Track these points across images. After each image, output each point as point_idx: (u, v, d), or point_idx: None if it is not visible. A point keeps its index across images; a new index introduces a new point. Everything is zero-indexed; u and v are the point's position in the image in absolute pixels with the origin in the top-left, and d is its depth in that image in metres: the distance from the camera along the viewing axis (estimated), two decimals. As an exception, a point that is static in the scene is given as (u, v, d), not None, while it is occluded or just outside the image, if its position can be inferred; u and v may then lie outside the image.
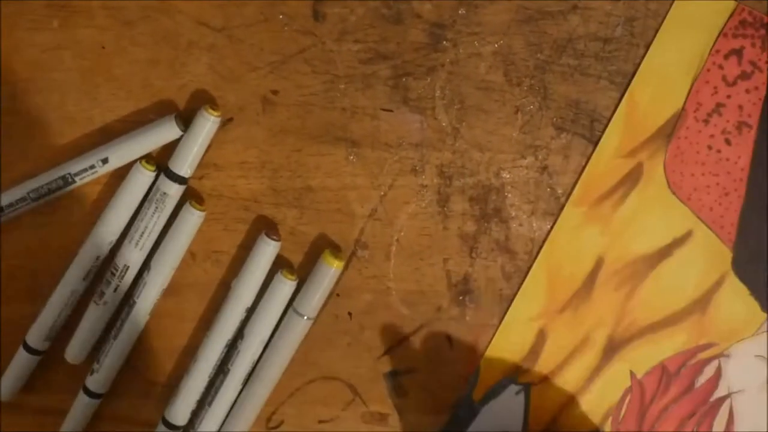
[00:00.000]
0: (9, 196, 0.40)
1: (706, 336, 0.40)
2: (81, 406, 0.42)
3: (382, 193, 0.39)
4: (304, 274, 0.40)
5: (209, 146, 0.39)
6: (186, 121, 0.38)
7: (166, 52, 0.39)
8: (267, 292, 0.40)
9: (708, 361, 0.40)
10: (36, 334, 0.41)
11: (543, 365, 0.40)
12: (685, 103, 0.37)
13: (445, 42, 0.37)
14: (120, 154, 0.39)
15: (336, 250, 0.40)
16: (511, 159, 0.38)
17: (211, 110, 0.38)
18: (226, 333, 0.40)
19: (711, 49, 0.37)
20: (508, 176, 0.39)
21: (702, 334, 0.40)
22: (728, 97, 0.37)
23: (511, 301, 0.40)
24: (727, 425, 0.40)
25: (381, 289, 0.41)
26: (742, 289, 0.39)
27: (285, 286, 0.39)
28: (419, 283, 0.40)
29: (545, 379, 0.41)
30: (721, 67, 0.37)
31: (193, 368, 0.40)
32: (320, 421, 0.43)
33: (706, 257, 0.39)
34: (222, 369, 0.41)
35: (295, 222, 0.40)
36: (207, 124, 0.38)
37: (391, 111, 0.38)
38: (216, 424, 0.41)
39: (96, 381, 0.41)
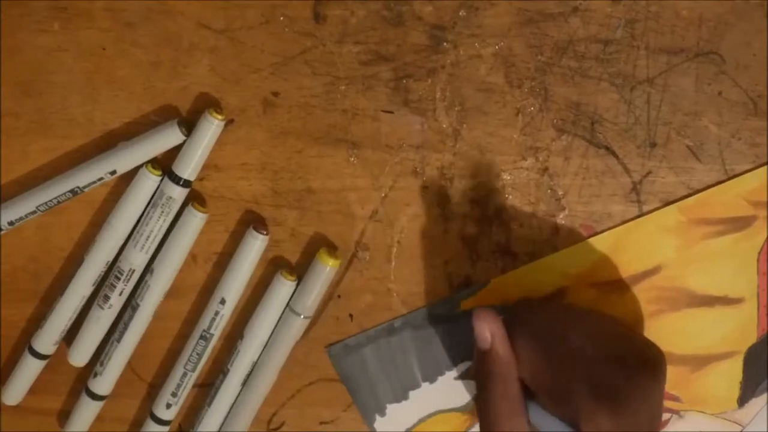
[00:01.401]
0: (18, 210, 0.40)
1: (680, 390, 0.40)
2: (84, 408, 0.42)
3: (383, 195, 0.39)
4: (304, 275, 0.40)
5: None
6: (188, 124, 0.38)
7: (168, 54, 0.39)
8: (266, 293, 0.40)
9: (665, 409, 0.40)
10: (44, 339, 0.41)
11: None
12: None
13: (445, 44, 0.37)
14: (125, 163, 0.39)
15: (332, 248, 0.40)
16: (511, 161, 0.38)
17: (215, 113, 0.38)
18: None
19: None
20: (508, 178, 0.39)
21: (678, 386, 0.40)
22: None
23: (560, 249, 0.39)
24: None
25: (382, 291, 0.41)
26: (738, 373, 0.40)
27: (284, 286, 0.39)
28: (420, 284, 0.40)
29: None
30: None
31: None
32: (321, 423, 0.43)
33: (735, 328, 0.39)
34: (221, 369, 0.41)
35: (296, 223, 0.40)
36: (211, 127, 0.38)
37: (392, 113, 0.38)
38: (216, 425, 0.41)
39: (98, 383, 0.41)
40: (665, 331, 0.39)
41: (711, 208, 0.38)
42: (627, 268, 0.39)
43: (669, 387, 0.40)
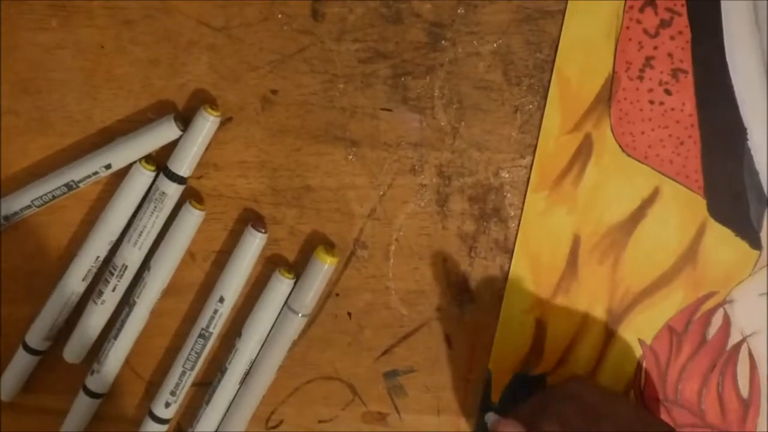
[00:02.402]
0: (13, 204, 0.40)
1: (704, 287, 0.39)
2: (81, 406, 0.42)
3: (382, 193, 0.39)
4: (302, 273, 0.40)
5: (208, 146, 0.39)
6: (185, 120, 0.39)
7: (166, 52, 0.39)
8: (264, 291, 0.40)
9: (713, 311, 0.40)
10: (36, 335, 0.41)
11: (551, 354, 0.40)
12: (614, 65, 0.37)
13: (444, 41, 0.37)
14: (121, 157, 0.39)
15: (330, 246, 0.40)
16: (510, 158, 0.38)
17: (210, 110, 0.38)
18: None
19: (624, 7, 0.36)
20: (507, 176, 0.39)
21: (698, 286, 0.39)
22: (655, 48, 0.37)
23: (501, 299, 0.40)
24: (751, 369, 0.40)
25: (380, 289, 0.41)
26: (726, 233, 0.38)
27: (282, 284, 0.39)
28: (418, 282, 0.40)
29: (558, 366, 0.41)
30: (639, 21, 0.36)
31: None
32: (320, 421, 0.43)
33: (680, 210, 0.38)
34: (219, 368, 0.41)
35: (295, 221, 0.40)
36: (206, 124, 0.38)
37: (390, 110, 0.38)
38: (215, 424, 0.41)
39: (96, 381, 0.41)
40: (638, 265, 0.39)
41: (552, 165, 0.38)
42: (558, 263, 0.39)
43: (695, 293, 0.39)
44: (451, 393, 0.42)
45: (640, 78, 0.37)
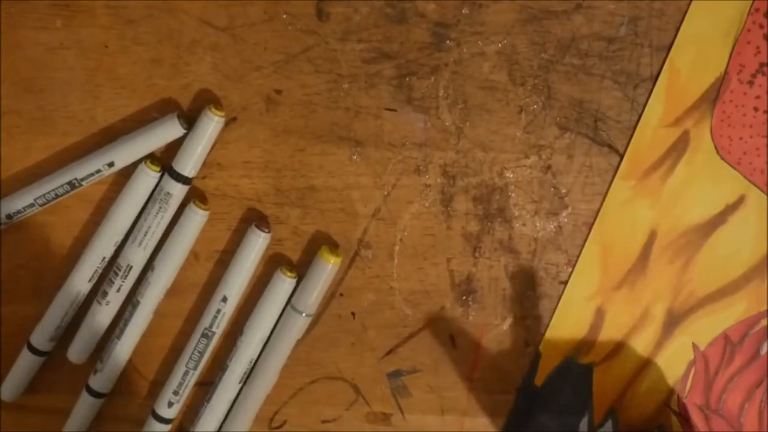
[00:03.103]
0: (16, 203, 0.39)
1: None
2: (84, 406, 0.42)
3: (386, 193, 0.39)
4: (306, 273, 0.40)
5: (212, 146, 0.39)
6: (189, 119, 0.38)
7: (170, 52, 0.39)
8: (266, 290, 0.40)
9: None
10: (41, 335, 0.41)
11: (603, 344, 0.40)
12: (727, 66, 0.36)
13: (448, 41, 0.37)
14: (124, 156, 0.39)
15: (333, 246, 0.40)
16: (514, 158, 0.38)
17: (215, 110, 0.38)
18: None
19: (750, 9, 0.36)
20: (511, 176, 0.39)
21: (763, 300, 0.39)
22: None
23: (567, 282, 0.40)
24: None
25: (384, 289, 0.41)
26: None
27: (284, 283, 0.39)
28: (423, 282, 0.40)
29: (607, 358, 0.40)
30: (761, 26, 0.36)
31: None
32: (323, 421, 0.43)
33: (761, 221, 0.38)
34: (221, 366, 0.41)
35: (299, 221, 0.40)
36: (211, 124, 0.38)
37: (395, 110, 0.38)
38: (216, 423, 0.41)
39: (99, 381, 0.41)
40: (708, 270, 0.39)
41: (645, 156, 0.38)
42: (629, 254, 0.39)
43: (757, 306, 0.39)
44: (455, 393, 0.42)
45: (750, 83, 0.36)
